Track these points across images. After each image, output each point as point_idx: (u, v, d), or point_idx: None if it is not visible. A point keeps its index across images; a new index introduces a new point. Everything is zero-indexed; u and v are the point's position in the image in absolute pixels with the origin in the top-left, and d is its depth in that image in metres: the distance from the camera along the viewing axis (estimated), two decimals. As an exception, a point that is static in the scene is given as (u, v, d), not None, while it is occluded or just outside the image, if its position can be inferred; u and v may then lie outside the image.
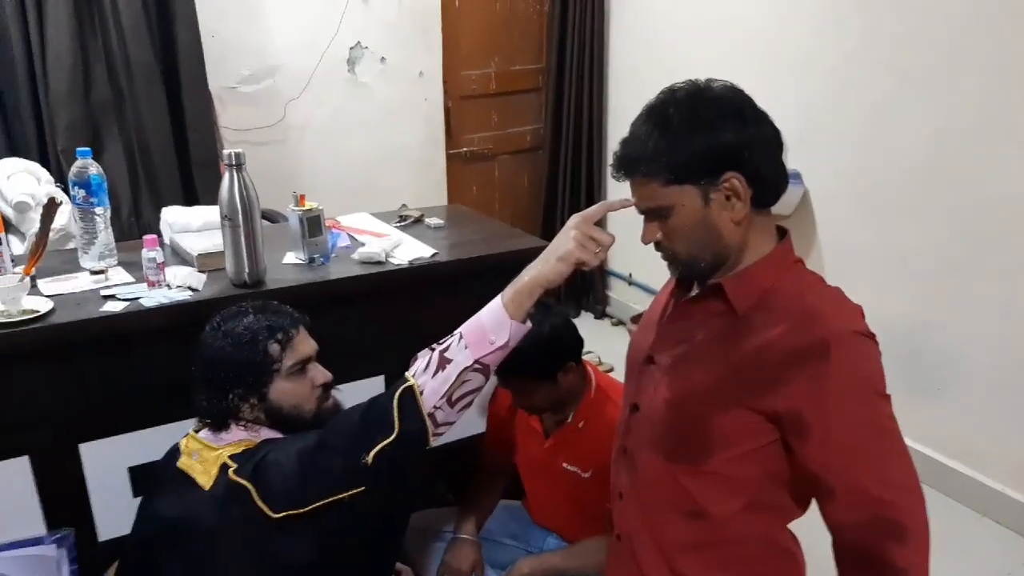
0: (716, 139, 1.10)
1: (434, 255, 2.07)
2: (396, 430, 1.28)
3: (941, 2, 2.50)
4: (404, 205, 2.55)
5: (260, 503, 1.30)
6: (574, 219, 1.24)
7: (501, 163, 4.19)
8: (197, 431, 1.48)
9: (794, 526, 1.30)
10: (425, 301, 2.04)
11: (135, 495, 1.80)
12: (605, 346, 3.57)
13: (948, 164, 2.56)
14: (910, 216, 2.69)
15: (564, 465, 1.87)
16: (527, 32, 4.03)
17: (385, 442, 1.28)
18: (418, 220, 2.39)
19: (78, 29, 2.75)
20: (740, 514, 1.23)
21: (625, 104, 3.88)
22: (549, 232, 3.95)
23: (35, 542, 1.72)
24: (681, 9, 3.50)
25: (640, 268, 3.97)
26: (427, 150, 3.86)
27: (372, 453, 1.28)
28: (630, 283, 4.08)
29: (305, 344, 1.49)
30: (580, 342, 1.82)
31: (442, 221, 2.37)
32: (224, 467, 1.37)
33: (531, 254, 2.10)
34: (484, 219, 2.55)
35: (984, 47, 2.41)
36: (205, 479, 1.37)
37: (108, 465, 1.78)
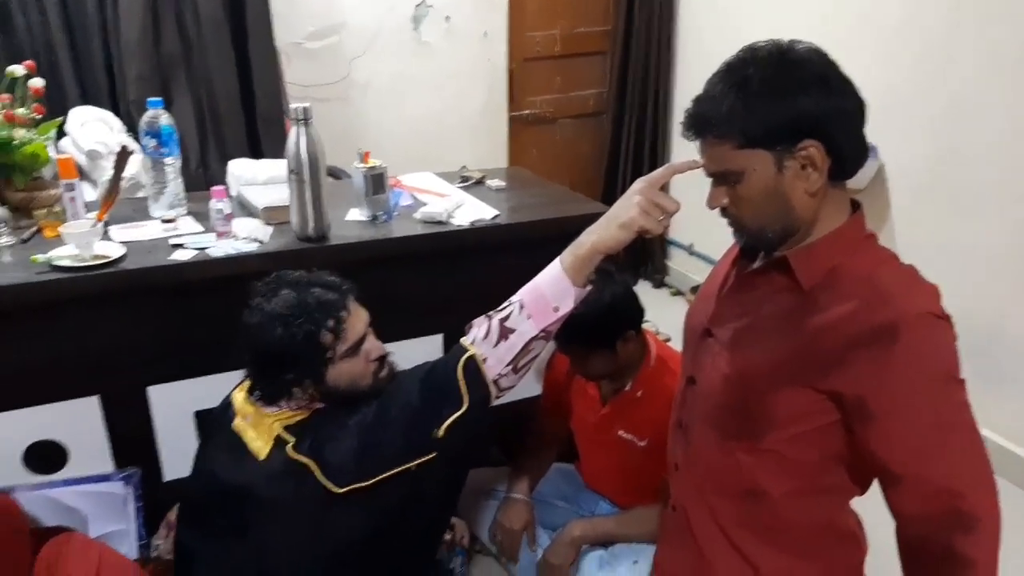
0: (796, 105, 1.04)
1: (495, 217, 2.05)
2: (466, 402, 1.27)
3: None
4: (464, 167, 2.53)
5: (323, 479, 1.29)
6: (638, 183, 1.19)
7: (563, 127, 4.13)
8: (249, 391, 1.44)
9: (856, 504, 1.27)
10: (485, 262, 2.03)
11: (200, 438, 1.85)
12: (663, 316, 3.51)
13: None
14: (989, 200, 2.57)
15: (620, 433, 1.86)
16: (594, -7, 3.94)
17: (456, 415, 1.28)
18: (479, 182, 2.38)
19: (149, -20, 2.78)
20: (796, 494, 1.19)
21: (693, 71, 3.77)
22: (609, 199, 3.88)
23: (103, 479, 1.79)
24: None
25: (702, 238, 3.89)
26: (489, 112, 3.82)
27: (444, 427, 1.27)
28: (691, 253, 4.01)
29: (357, 321, 1.40)
30: (641, 311, 1.79)
31: (503, 183, 2.36)
32: (280, 440, 1.34)
33: (592, 219, 2.08)
34: (545, 183, 2.52)
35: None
36: (259, 447, 1.36)
37: (175, 408, 1.84)
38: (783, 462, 1.17)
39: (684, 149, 3.87)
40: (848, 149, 1.08)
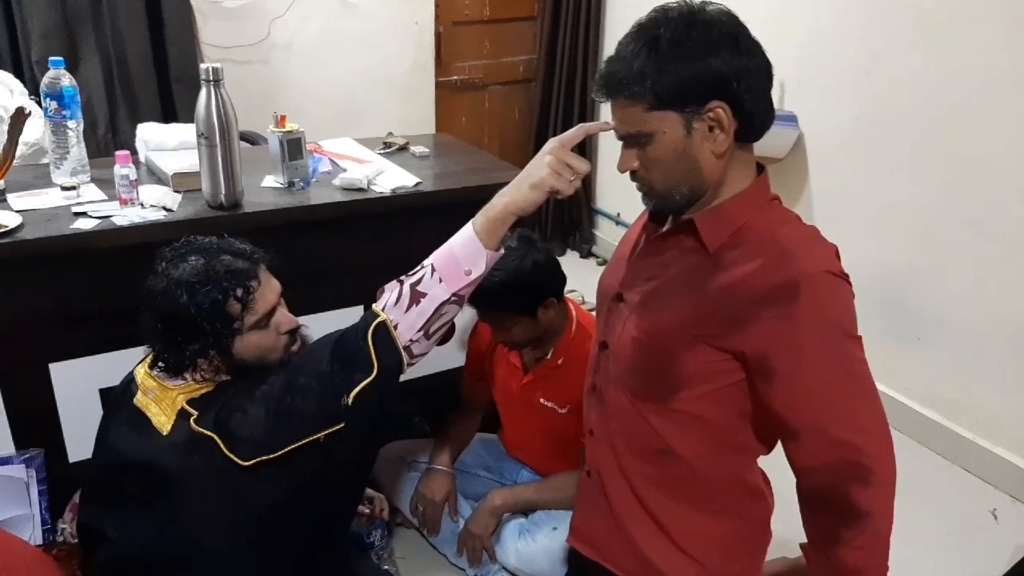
0: (706, 65, 1.05)
1: (417, 184, 2.02)
2: (375, 368, 1.25)
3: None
4: (390, 133, 2.48)
5: (228, 453, 1.25)
6: (550, 144, 1.18)
7: (492, 93, 4.08)
8: (151, 366, 1.39)
9: (764, 463, 1.30)
10: (407, 231, 1.99)
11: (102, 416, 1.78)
12: (590, 286, 3.51)
13: (947, 116, 2.50)
14: (905, 166, 2.65)
15: (541, 400, 1.87)
16: (524, -44, 3.88)
17: (366, 381, 1.25)
18: (403, 148, 2.34)
19: (54, -70, 2.62)
20: (706, 452, 1.22)
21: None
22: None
23: (3, 461, 1.72)
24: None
25: (629, 207, 3.92)
26: (416, 76, 3.74)
27: (352, 394, 1.25)
28: (617, 223, 4.04)
29: (268, 292, 1.35)
30: (562, 279, 1.79)
31: (427, 150, 2.32)
32: (183, 413, 1.30)
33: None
34: (471, 150, 2.49)
35: (1006, 6, 2.34)
36: (162, 422, 1.32)
37: (79, 386, 1.76)
38: (692, 421, 1.20)
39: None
40: (755, 110, 1.10)
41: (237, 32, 3.20)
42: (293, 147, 1.93)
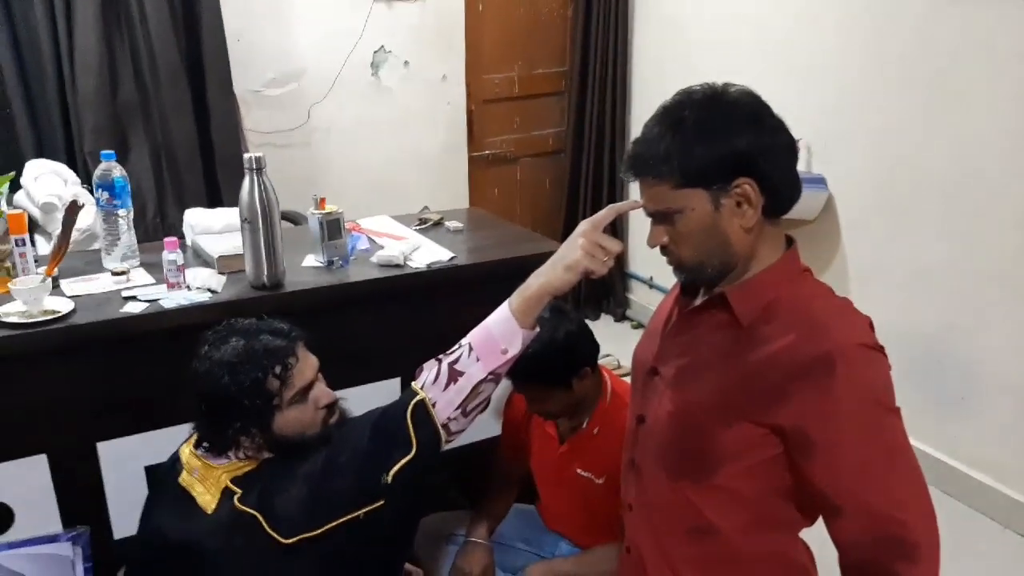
0: (730, 144, 1.08)
1: (452, 259, 2.07)
2: (414, 446, 1.27)
3: (974, 9, 2.46)
4: (426, 207, 2.55)
5: (270, 531, 1.28)
6: (582, 226, 1.22)
7: (523, 166, 4.19)
8: (196, 445, 1.43)
9: (807, 535, 1.28)
10: (442, 305, 2.04)
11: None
12: (625, 350, 3.52)
13: (977, 174, 2.51)
14: (937, 225, 2.65)
15: (578, 471, 1.86)
16: (550, 36, 4.02)
17: (404, 460, 1.28)
18: (437, 223, 2.40)
19: (105, 31, 2.79)
20: (747, 529, 1.20)
21: (648, 109, 3.79)
22: (568, 236, 3.92)
23: (51, 540, 1.74)
24: (706, 13, 3.47)
25: (662, 271, 3.95)
26: (449, 153, 3.87)
27: (392, 472, 1.27)
28: (651, 286, 4.06)
29: (305, 367, 1.40)
30: (596, 348, 1.81)
31: (461, 224, 2.37)
32: (227, 492, 1.34)
33: (549, 258, 2.11)
34: (503, 223, 2.55)
35: (1019, 58, 2.37)
36: (207, 501, 1.35)
37: (125, 464, 1.80)
38: (732, 497, 1.19)
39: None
40: (781, 185, 1.12)
41: (278, 118, 3.36)
42: (332, 227, 1.99)
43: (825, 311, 1.13)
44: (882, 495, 1.08)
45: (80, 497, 1.78)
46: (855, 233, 2.94)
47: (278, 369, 1.35)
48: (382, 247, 2.12)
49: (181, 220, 2.78)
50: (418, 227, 2.36)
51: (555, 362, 1.69)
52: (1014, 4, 2.35)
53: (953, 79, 2.53)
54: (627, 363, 3.40)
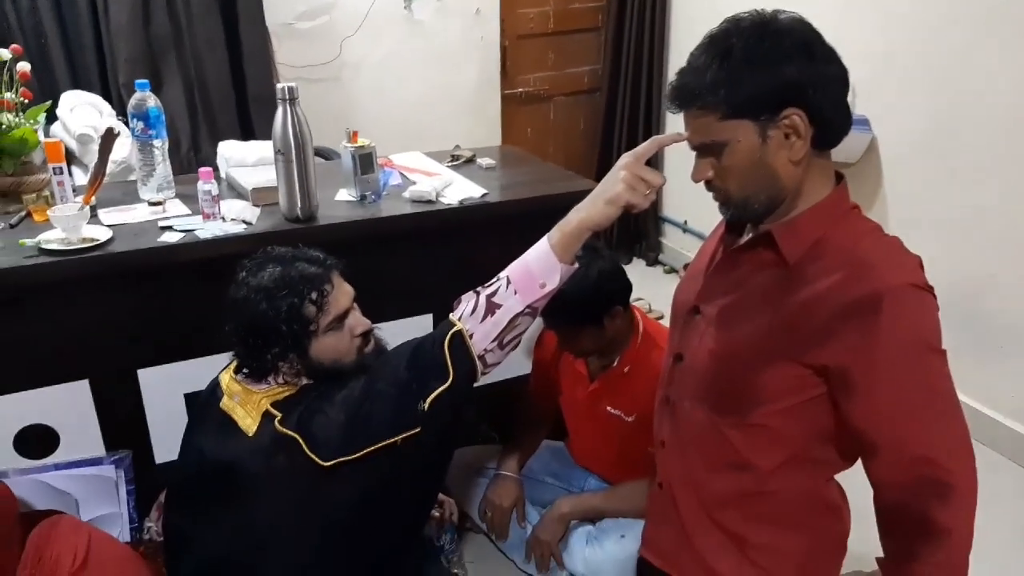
0: (779, 74, 1.04)
1: (484, 195, 2.05)
2: (451, 375, 1.28)
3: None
4: (457, 146, 2.53)
5: (309, 453, 1.31)
6: (624, 159, 1.19)
7: (557, 105, 4.11)
8: (236, 371, 1.46)
9: (842, 477, 1.28)
10: (474, 241, 2.04)
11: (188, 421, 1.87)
12: (657, 293, 3.52)
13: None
14: (984, 170, 2.56)
15: (608, 409, 1.87)
16: (588, -32, 3.90)
17: (441, 388, 1.29)
18: (470, 160, 2.38)
19: (138, -38, 2.76)
20: (783, 467, 1.20)
21: (686, 46, 3.71)
22: (603, 176, 3.87)
23: (94, 462, 1.81)
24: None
25: (696, 215, 3.89)
26: (482, 90, 3.81)
27: (429, 400, 1.29)
28: (685, 230, 4.00)
29: (341, 295, 1.42)
30: (628, 287, 1.80)
31: (494, 162, 2.35)
32: (268, 415, 1.36)
33: (583, 197, 2.06)
34: (537, 161, 2.52)
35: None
36: (248, 424, 1.38)
37: (165, 391, 1.85)
38: (771, 436, 1.19)
39: (678, 125, 3.83)
40: (831, 117, 1.08)
41: (310, 52, 3.31)
42: (365, 161, 1.98)
43: (874, 250, 1.10)
44: (921, 435, 1.07)
45: (122, 422, 1.83)
46: (898, 177, 2.86)
47: (314, 295, 1.37)
48: (414, 183, 2.11)
49: (215, 154, 2.78)
50: (450, 163, 2.35)
51: (587, 299, 1.68)
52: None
53: (1011, 11, 2.41)
54: (659, 307, 3.40)
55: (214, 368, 1.68)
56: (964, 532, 1.09)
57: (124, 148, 2.36)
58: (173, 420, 1.85)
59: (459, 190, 2.07)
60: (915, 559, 1.10)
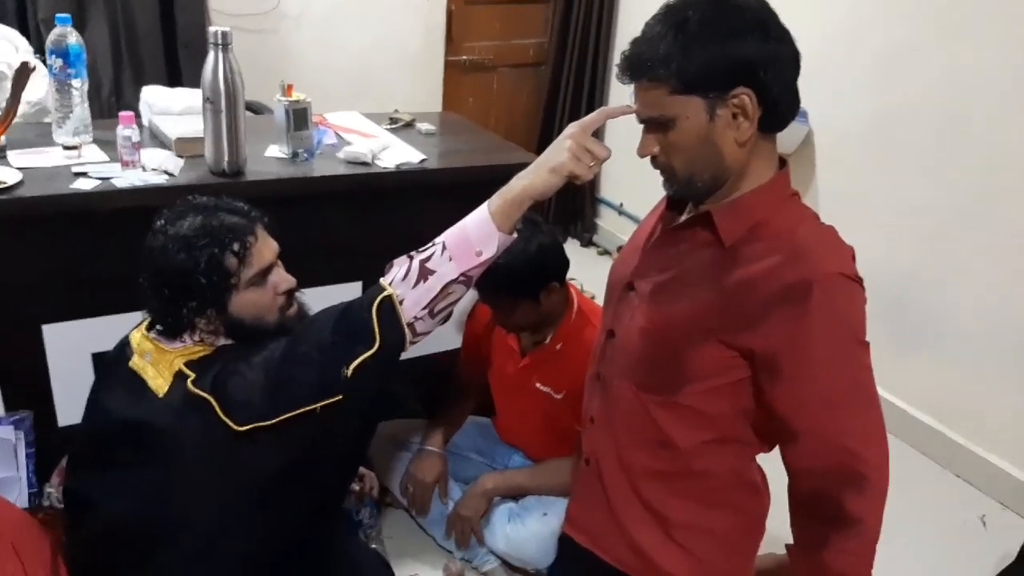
0: (734, 50, 1.03)
1: (422, 161, 2.00)
2: (377, 341, 1.23)
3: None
4: (396, 110, 2.45)
5: (223, 416, 1.24)
6: (571, 128, 1.16)
7: (501, 75, 4.05)
8: (148, 329, 1.38)
9: (764, 462, 1.29)
10: (409, 208, 1.98)
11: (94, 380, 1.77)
12: (589, 275, 3.52)
13: (965, 117, 2.47)
14: (917, 168, 2.63)
15: (538, 385, 1.86)
16: (540, -62, 3.84)
17: (366, 354, 1.23)
18: (409, 124, 2.31)
19: None
20: (706, 446, 1.21)
21: (636, 25, 3.72)
22: (545, 150, 3.85)
23: (-8, 422, 1.69)
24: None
25: (632, 198, 3.90)
26: (425, 53, 3.71)
27: (352, 366, 1.23)
28: (620, 212, 4.01)
29: (265, 249, 1.35)
30: (566, 263, 1.78)
31: (434, 128, 2.29)
32: (180, 375, 1.29)
33: (523, 169, 2.03)
34: (477, 129, 2.47)
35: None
36: (159, 384, 1.30)
37: (71, 349, 1.74)
38: (696, 416, 1.19)
39: (621, 103, 3.83)
40: (781, 99, 1.08)
41: (247, 1, 3.16)
42: (299, 117, 1.90)
43: (810, 237, 1.11)
44: (840, 425, 1.09)
45: (24, 381, 1.72)
46: (831, 170, 2.91)
47: (236, 247, 1.30)
48: (349, 143, 2.04)
49: (138, 100, 2.63)
50: (389, 126, 2.28)
51: (525, 273, 1.66)
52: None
53: (948, 12, 2.47)
54: (591, 288, 3.40)
55: (125, 327, 1.59)
56: (874, 521, 1.12)
57: (40, 88, 2.20)
58: (79, 380, 1.74)
59: (396, 154, 2.01)
60: (825, 546, 1.13)
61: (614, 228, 4.09)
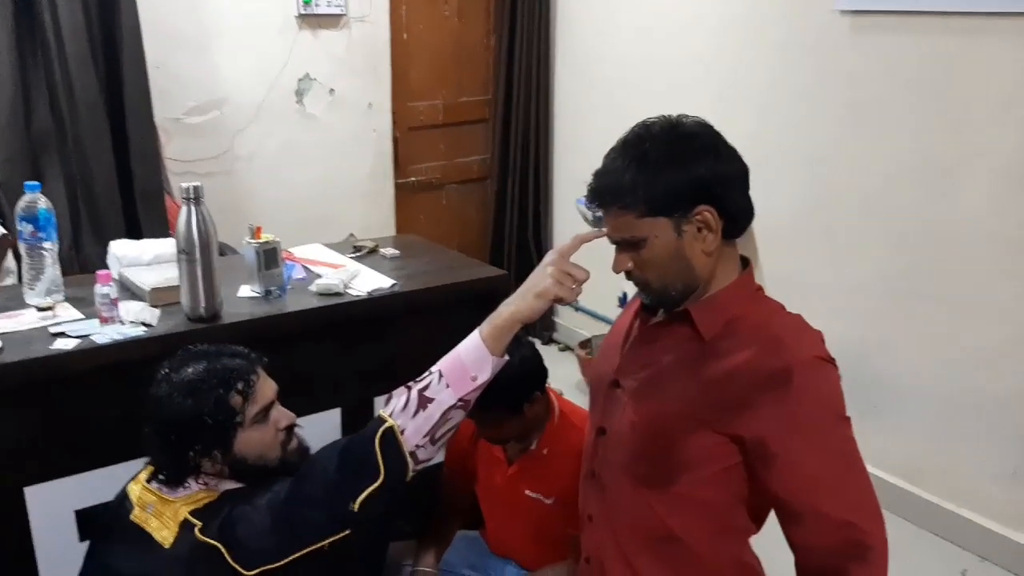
0: (691, 174, 1.14)
1: (392, 286, 2.07)
2: (382, 474, 1.27)
3: (887, 53, 2.64)
4: (352, 235, 2.54)
5: (232, 563, 1.25)
6: (550, 255, 1.26)
7: (449, 192, 4.21)
8: (149, 480, 1.40)
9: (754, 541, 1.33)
10: (383, 333, 2.04)
11: (81, 539, 1.73)
12: (553, 372, 3.53)
13: (889, 198, 2.69)
14: (849, 248, 2.81)
15: (527, 492, 1.87)
16: (475, 65, 4.08)
17: (372, 487, 1.27)
18: (373, 251, 2.39)
19: (19, 59, 2.67)
20: (707, 536, 1.25)
21: (572, 134, 3.95)
22: (497, 261, 3.97)
23: (-29, 597, 1.64)
24: (626, 45, 3.59)
25: (587, 295, 3.99)
26: (376, 180, 3.86)
27: (359, 500, 1.26)
28: (577, 309, 4.11)
29: (266, 388, 1.41)
30: (545, 372, 1.84)
31: (397, 251, 2.37)
32: (187, 524, 1.30)
33: (489, 283, 2.11)
34: (438, 248, 2.56)
35: (914, 93, 2.57)
36: (164, 536, 1.31)
37: (54, 509, 1.71)
38: (694, 505, 1.23)
39: (565, 211, 4.03)
40: (738, 209, 1.19)
41: (200, 146, 3.29)
42: (270, 257, 1.97)
43: (782, 327, 1.21)
44: (839, 501, 1.14)
45: (6, 544, 1.68)
46: (771, 258, 3.06)
47: (240, 385, 1.36)
48: (319, 275, 2.10)
49: (97, 253, 2.68)
50: (353, 255, 2.35)
51: (511, 388, 1.70)
52: (911, 35, 2.55)
53: (865, 108, 2.71)
54: (557, 385, 3.43)
55: (108, 481, 1.59)
56: None
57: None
58: (63, 540, 1.72)
59: (367, 281, 2.08)
60: None
61: (572, 324, 4.19)
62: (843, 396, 1.18)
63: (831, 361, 1.19)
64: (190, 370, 1.36)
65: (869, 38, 2.67)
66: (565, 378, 3.48)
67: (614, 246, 1.23)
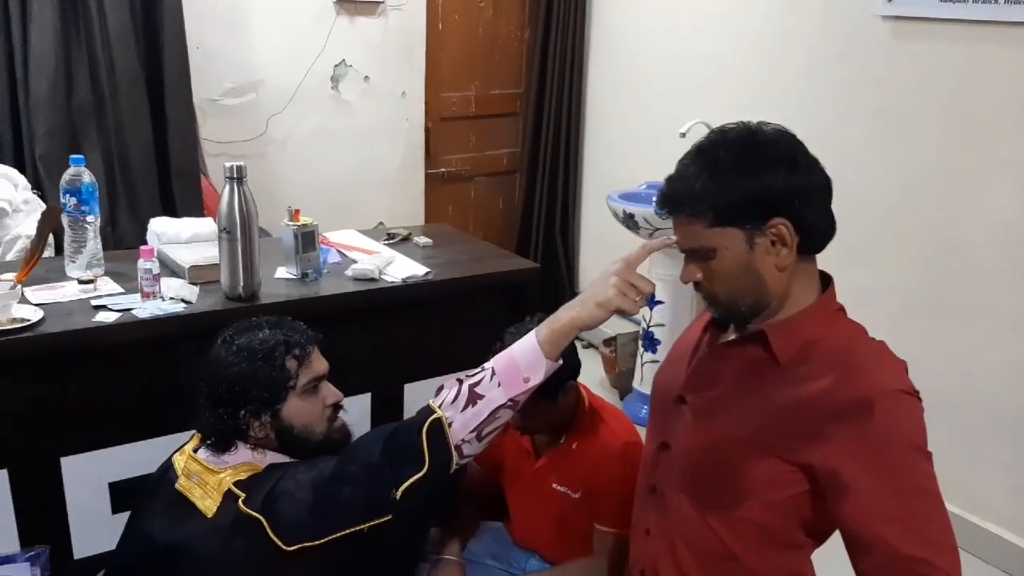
0: (765, 184, 1.10)
1: (427, 274, 2.07)
2: (427, 464, 1.27)
3: (925, 60, 2.61)
4: (381, 223, 2.55)
5: (272, 536, 1.26)
6: (615, 265, 1.22)
7: (477, 184, 4.21)
8: (196, 449, 1.43)
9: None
10: (414, 320, 2.05)
11: (114, 511, 1.76)
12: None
13: (912, 208, 2.66)
14: (870, 258, 2.78)
15: (554, 486, 1.87)
16: (508, 57, 4.08)
17: (416, 476, 1.27)
18: (406, 238, 2.40)
19: (63, 33, 2.70)
20: (767, 556, 1.22)
21: (603, 131, 3.94)
22: (523, 254, 3.97)
23: (7, 560, 1.66)
24: (659, 44, 3.57)
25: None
26: (406, 170, 3.87)
27: (402, 488, 1.26)
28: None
29: (319, 362, 1.46)
30: (579, 361, 1.83)
31: (430, 240, 2.38)
32: (230, 495, 1.32)
33: (522, 275, 2.11)
34: (471, 239, 2.57)
35: (947, 102, 2.54)
36: (207, 505, 1.33)
37: (89, 480, 1.74)
38: (754, 528, 1.20)
39: (593, 207, 4.02)
40: (816, 225, 1.15)
41: (235, 128, 3.31)
42: (307, 239, 1.98)
43: (863, 355, 1.15)
44: (912, 536, 1.07)
45: (41, 514, 1.71)
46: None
47: (297, 351, 1.41)
48: (354, 261, 2.11)
49: (133, 229, 2.70)
50: (387, 241, 2.36)
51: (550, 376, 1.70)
52: (952, 43, 2.52)
53: (894, 115, 2.68)
54: (580, 381, 3.43)
55: (143, 455, 1.61)
56: None
57: (31, 225, 2.27)
58: (96, 511, 1.75)
59: (401, 268, 2.09)
60: None
61: (595, 322, 4.17)
62: (925, 430, 1.12)
63: (915, 394, 1.13)
64: (251, 334, 1.42)
65: (909, 45, 2.64)
66: (590, 376, 3.47)
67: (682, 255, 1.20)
